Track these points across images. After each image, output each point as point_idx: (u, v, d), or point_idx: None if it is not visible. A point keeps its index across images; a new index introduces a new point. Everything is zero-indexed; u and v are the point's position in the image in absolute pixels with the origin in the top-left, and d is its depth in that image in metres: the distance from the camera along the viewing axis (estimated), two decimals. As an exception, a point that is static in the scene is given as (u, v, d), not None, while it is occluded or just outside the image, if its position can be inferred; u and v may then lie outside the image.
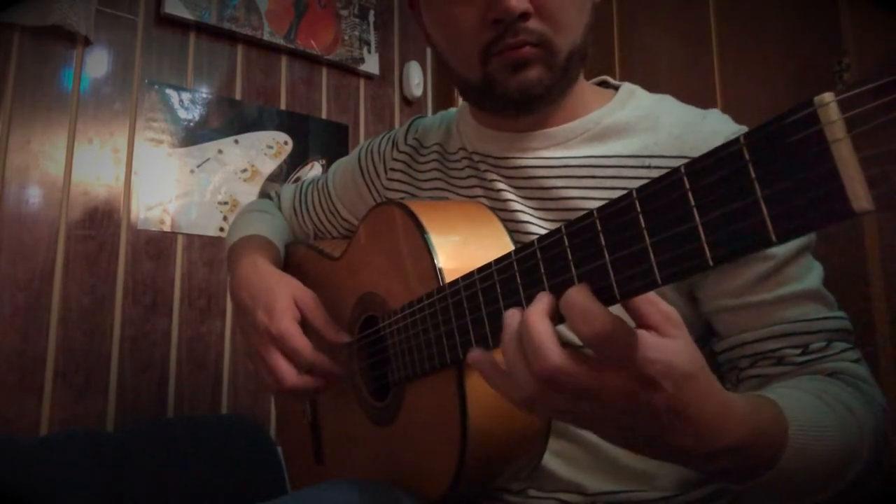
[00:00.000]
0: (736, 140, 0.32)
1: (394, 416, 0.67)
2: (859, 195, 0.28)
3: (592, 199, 0.66)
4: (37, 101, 1.43)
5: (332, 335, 0.73)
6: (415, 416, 0.64)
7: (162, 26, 1.63)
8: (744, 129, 0.65)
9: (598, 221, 0.39)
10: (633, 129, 0.69)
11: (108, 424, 1.40)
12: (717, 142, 0.61)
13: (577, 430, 0.65)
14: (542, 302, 0.41)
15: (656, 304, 0.39)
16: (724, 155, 0.33)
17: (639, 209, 0.37)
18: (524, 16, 0.61)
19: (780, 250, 0.61)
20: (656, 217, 0.36)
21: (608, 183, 0.67)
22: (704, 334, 0.66)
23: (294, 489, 0.95)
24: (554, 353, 0.38)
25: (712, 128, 0.66)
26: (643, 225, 0.37)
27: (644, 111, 0.70)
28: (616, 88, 0.75)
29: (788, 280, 0.61)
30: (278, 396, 0.79)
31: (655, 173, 0.66)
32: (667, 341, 0.38)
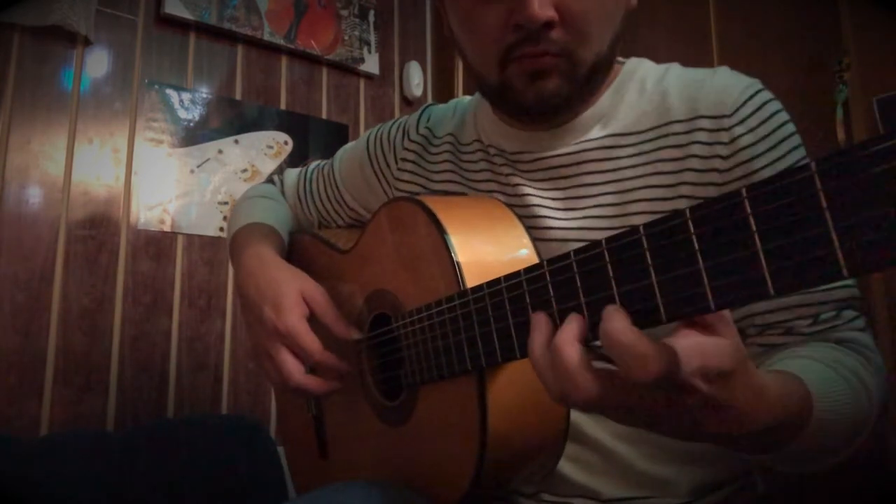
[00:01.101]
0: (806, 166, 0.31)
1: (407, 416, 0.66)
2: None
3: (614, 182, 0.64)
4: (37, 101, 1.43)
5: (343, 332, 0.71)
6: (430, 418, 0.63)
7: (162, 26, 1.63)
8: (756, 80, 0.63)
9: (644, 238, 0.37)
10: (645, 102, 0.66)
11: (108, 424, 1.40)
12: (732, 97, 0.61)
13: (591, 434, 0.64)
14: (573, 326, 0.39)
15: None
16: (792, 181, 0.31)
17: (692, 230, 0.35)
18: (549, 25, 0.58)
19: None
20: (713, 239, 0.34)
21: (627, 161, 0.64)
22: None
23: (296, 482, 0.94)
24: (587, 381, 0.37)
25: (724, 83, 0.63)
26: (697, 246, 0.35)
27: (652, 82, 0.68)
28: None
29: None
30: (282, 393, 0.78)
31: (676, 140, 0.61)
32: (703, 343, 0.37)
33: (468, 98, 0.82)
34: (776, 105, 0.62)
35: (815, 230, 0.30)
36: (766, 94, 0.62)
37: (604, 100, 0.68)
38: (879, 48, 1.18)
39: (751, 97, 0.61)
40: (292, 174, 1.00)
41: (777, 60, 1.27)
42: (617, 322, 0.35)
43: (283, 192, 1.00)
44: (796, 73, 1.26)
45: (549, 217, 0.67)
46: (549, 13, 0.57)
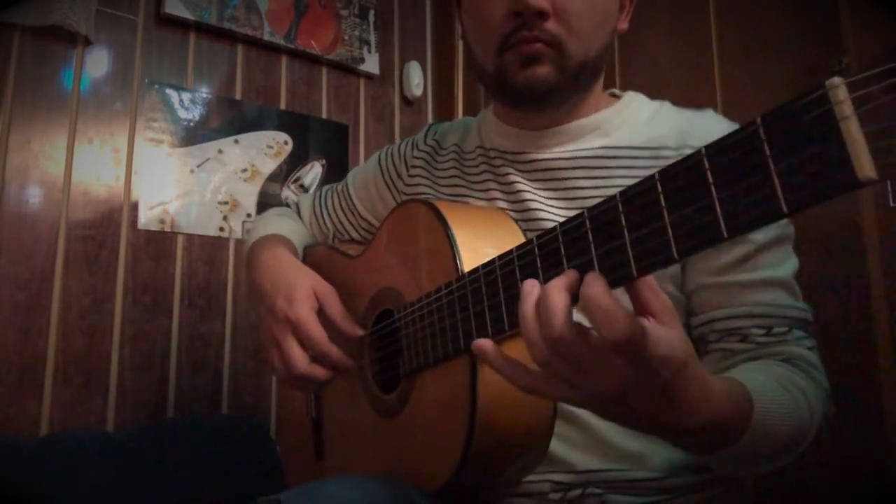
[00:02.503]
0: (753, 121, 0.35)
1: (401, 407, 0.67)
2: (864, 165, 0.30)
3: (604, 189, 0.70)
4: (37, 101, 1.43)
5: (348, 328, 0.75)
6: (423, 406, 0.64)
7: (162, 26, 1.63)
8: (735, 125, 0.69)
9: (620, 204, 0.41)
10: (639, 124, 0.74)
11: (108, 424, 1.40)
12: (718, 131, 0.64)
13: (570, 409, 0.66)
14: (566, 276, 0.43)
15: (658, 294, 0.43)
16: (743, 135, 0.35)
17: (660, 189, 0.39)
18: (543, 15, 0.66)
19: (759, 237, 0.66)
20: (676, 195, 0.38)
21: (619, 173, 0.70)
22: (686, 319, 0.71)
23: (290, 484, 0.94)
24: (565, 321, 0.41)
25: (711, 121, 0.72)
26: (663, 203, 0.39)
27: (647, 113, 0.76)
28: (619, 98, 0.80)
29: (763, 265, 0.66)
30: (285, 384, 0.81)
31: (663, 163, 0.68)
32: (667, 331, 0.41)
33: (471, 117, 0.90)
34: None
35: (759, 175, 0.34)
36: None
37: (603, 113, 0.75)
38: (879, 48, 1.18)
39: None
40: (307, 197, 1.08)
41: (777, 61, 1.27)
42: (596, 287, 0.40)
43: (299, 214, 1.06)
44: (796, 74, 1.26)
45: (543, 211, 0.72)
46: (544, 4, 0.65)
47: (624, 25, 0.76)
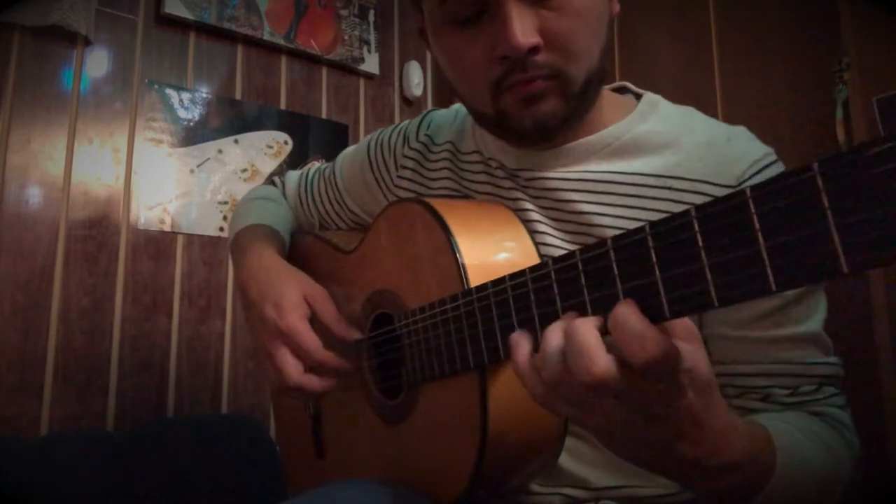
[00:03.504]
0: (809, 167, 0.32)
1: (407, 414, 0.66)
2: None
3: (610, 216, 0.64)
4: (37, 101, 1.43)
5: (343, 332, 0.72)
6: (430, 416, 0.63)
7: (162, 26, 1.63)
8: (770, 150, 0.63)
9: (650, 237, 0.38)
10: (654, 147, 0.66)
11: (108, 424, 1.40)
12: (741, 168, 0.60)
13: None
14: (590, 317, 0.41)
15: (682, 318, 0.39)
16: (795, 180, 0.32)
17: (697, 228, 0.36)
18: (533, 50, 0.57)
19: (789, 292, 0.59)
20: (716, 237, 0.35)
21: (627, 201, 0.64)
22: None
23: (290, 482, 0.94)
24: (604, 360, 0.38)
25: (736, 153, 0.62)
26: (701, 244, 0.36)
27: (667, 127, 0.66)
28: (637, 96, 0.72)
29: (790, 321, 0.60)
30: (281, 394, 0.79)
31: (676, 196, 0.61)
32: (693, 350, 0.39)
33: (465, 111, 0.81)
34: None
35: (816, 228, 0.31)
36: (779, 167, 0.61)
37: (613, 130, 0.67)
38: (879, 48, 1.18)
39: (759, 171, 0.60)
40: (293, 176, 1.01)
41: (777, 60, 1.27)
42: (627, 308, 0.37)
43: (284, 194, 1.01)
44: (796, 73, 1.26)
45: (547, 234, 0.67)
46: (533, 39, 0.56)
47: (616, 8, 0.67)
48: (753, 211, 0.34)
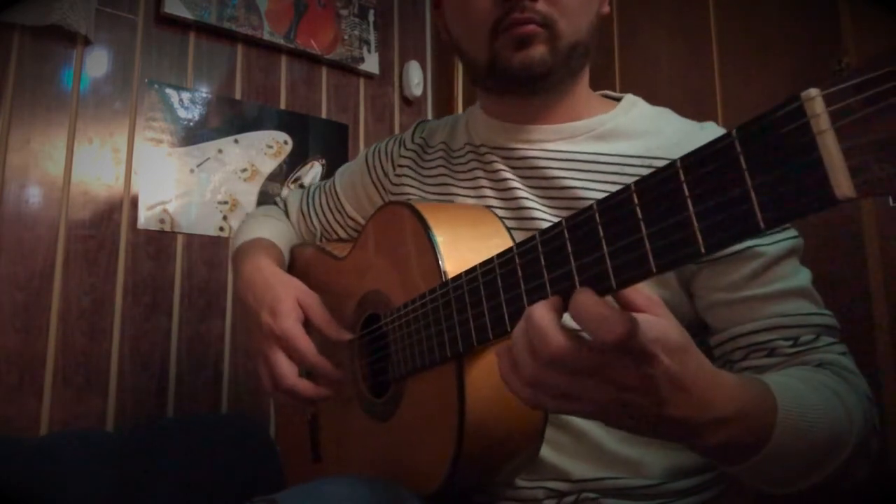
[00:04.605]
0: (728, 133, 0.34)
1: (392, 410, 0.67)
2: (842, 183, 0.29)
3: (595, 192, 0.69)
4: (37, 100, 1.43)
5: (334, 333, 0.74)
6: (413, 410, 0.65)
7: (162, 26, 1.63)
8: None
9: (597, 214, 0.41)
10: (635, 133, 0.73)
11: (108, 424, 1.40)
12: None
13: (563, 416, 0.65)
14: (549, 300, 0.43)
15: (639, 289, 0.42)
16: (717, 147, 0.34)
17: (636, 201, 0.38)
18: None
19: (770, 249, 0.64)
20: (653, 208, 0.37)
21: (611, 178, 0.70)
22: (699, 331, 0.68)
23: (290, 485, 0.95)
24: (556, 336, 0.40)
25: (709, 136, 0.68)
26: (640, 216, 0.38)
27: (646, 119, 0.74)
28: (617, 101, 0.79)
29: (778, 277, 0.64)
30: (275, 398, 0.81)
31: None
32: (658, 319, 0.41)
33: (461, 113, 0.90)
34: None
35: (738, 189, 0.33)
36: None
37: (599, 117, 0.75)
38: (879, 48, 1.18)
39: None
40: (295, 195, 1.07)
41: (777, 60, 1.27)
42: (584, 295, 0.40)
43: (287, 212, 1.05)
44: (796, 73, 1.26)
45: (535, 209, 0.71)
46: None
47: (606, 8, 0.77)
48: (683, 179, 0.36)
